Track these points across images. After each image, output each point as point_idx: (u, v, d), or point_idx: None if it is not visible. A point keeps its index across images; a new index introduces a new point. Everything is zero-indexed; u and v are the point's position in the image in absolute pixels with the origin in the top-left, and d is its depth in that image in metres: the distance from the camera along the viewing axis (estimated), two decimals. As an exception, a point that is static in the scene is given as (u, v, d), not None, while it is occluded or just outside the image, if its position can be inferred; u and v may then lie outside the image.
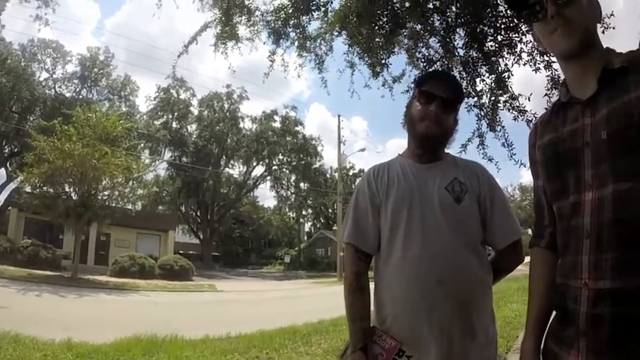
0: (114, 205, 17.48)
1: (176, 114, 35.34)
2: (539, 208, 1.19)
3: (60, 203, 15.45)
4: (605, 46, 1.07)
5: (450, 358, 1.34)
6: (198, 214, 38.35)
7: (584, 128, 1.00)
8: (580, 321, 0.94)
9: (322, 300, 10.17)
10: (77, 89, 30.61)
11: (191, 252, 33.14)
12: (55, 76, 29.76)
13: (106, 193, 16.74)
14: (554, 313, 1.09)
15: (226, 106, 36.81)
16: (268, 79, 6.06)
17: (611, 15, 4.53)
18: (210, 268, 31.36)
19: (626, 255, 0.88)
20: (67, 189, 16.34)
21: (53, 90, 29.06)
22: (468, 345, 1.35)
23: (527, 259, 1.58)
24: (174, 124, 35.63)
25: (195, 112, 36.69)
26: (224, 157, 37.66)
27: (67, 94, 29.72)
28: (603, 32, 4.38)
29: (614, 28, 4.55)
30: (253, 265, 41.54)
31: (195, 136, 36.43)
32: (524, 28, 4.89)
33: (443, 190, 1.44)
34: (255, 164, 38.70)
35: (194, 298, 12.93)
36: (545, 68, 4.94)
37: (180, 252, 27.88)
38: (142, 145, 28.29)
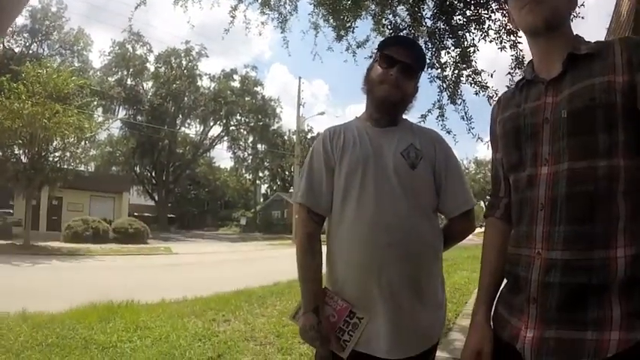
0: (66, 167, 16.50)
1: (131, 70, 33.56)
2: (496, 180, 1.23)
3: (9, 167, 14.53)
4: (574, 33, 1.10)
5: (400, 319, 1.38)
6: (153, 174, 37.21)
7: (546, 106, 1.03)
8: (531, 288, 0.99)
9: (278, 262, 10.27)
10: (27, 44, 28.33)
11: (146, 214, 32.47)
12: (3, 29, 27.07)
13: (57, 154, 15.76)
14: (504, 281, 1.14)
15: (184, 63, 35.34)
16: (229, 37, 5.87)
17: (582, 5, 4.66)
18: (166, 231, 30.90)
19: (577, 228, 0.94)
20: (16, 151, 15.28)
21: (1, 45, 26.52)
22: (417, 307, 1.40)
23: (479, 229, 1.65)
24: (129, 81, 33.91)
25: (152, 69, 35.07)
26: (180, 116, 36.46)
27: (16, 49, 27.55)
28: (572, 20, 4.51)
29: (582, 17, 4.70)
30: (209, 227, 41.22)
31: (151, 93, 34.84)
32: (493, 5, 4.92)
33: (398, 155, 1.44)
34: (212, 124, 37.88)
35: (149, 262, 12.74)
36: (511, 47, 5.05)
37: (135, 214, 27.26)
38: (95, 102, 26.55)
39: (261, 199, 47.72)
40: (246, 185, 46.89)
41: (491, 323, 1.14)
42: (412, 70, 1.47)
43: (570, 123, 0.97)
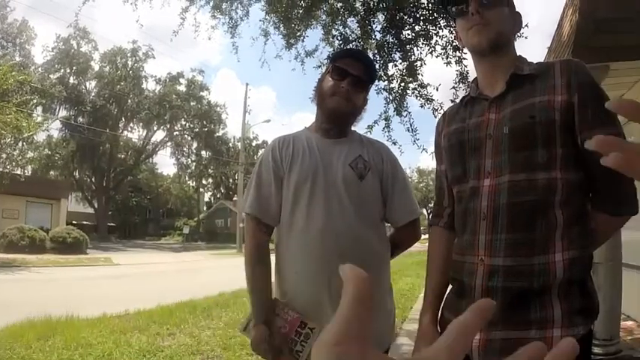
0: (1, 169, 15.24)
1: (75, 68, 31.31)
2: (440, 191, 1.28)
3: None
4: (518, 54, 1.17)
5: None
6: (93, 180, 34.92)
7: (489, 122, 1.10)
8: (475, 293, 1.04)
9: (222, 272, 10.02)
10: (-36, 34, 25.57)
11: (85, 222, 30.71)
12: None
13: (-9, 156, 14.38)
14: (450, 287, 1.19)
15: (130, 63, 33.52)
16: (178, 39, 5.70)
17: (525, 26, 5.00)
18: (106, 240, 29.35)
19: (517, 236, 1.00)
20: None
21: None
22: None
23: (424, 236, 1.70)
24: (71, 80, 31.62)
25: (96, 68, 32.96)
26: (123, 120, 34.56)
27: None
28: (515, 39, 4.83)
29: (526, 37, 5.03)
30: (151, 236, 39.62)
31: (93, 94, 32.75)
32: (442, 22, 5.15)
33: (347, 167, 1.46)
34: (155, 129, 36.19)
35: (89, 273, 11.94)
36: (456, 63, 5.28)
37: (74, 222, 25.56)
38: (35, 101, 24.33)
39: (205, 208, 46.46)
40: (189, 193, 45.35)
41: (439, 327, 1.18)
42: (363, 82, 1.50)
43: (512, 139, 1.04)
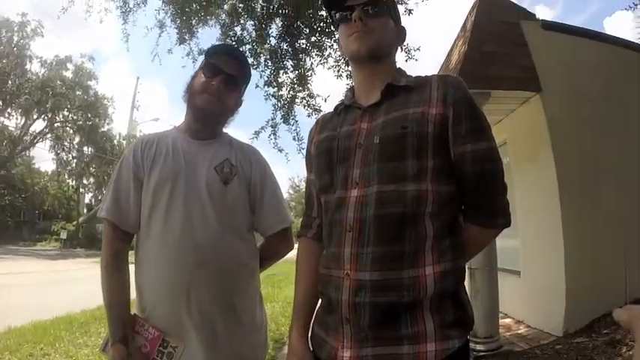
0: None
1: None
2: (309, 200, 1.24)
3: None
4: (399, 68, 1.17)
5: (215, 345, 1.30)
6: (-38, 174, 29.57)
7: (360, 131, 1.07)
8: (343, 309, 0.99)
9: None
10: None
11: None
12: None
13: None
14: (320, 300, 1.13)
15: (15, 39, 29.11)
16: (71, 20, 5.05)
17: (418, 49, 5.34)
18: None
19: (385, 250, 0.96)
20: None
21: None
22: (232, 331, 1.34)
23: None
24: None
25: None
26: (0, 103, 29.91)
27: None
28: (406, 61, 5.09)
29: (416, 59, 5.38)
30: (25, 241, 34.96)
31: (-31, 71, 27.75)
32: (337, 35, 5.32)
33: (212, 170, 1.38)
34: (35, 117, 32.04)
35: (-48, 286, 9.98)
36: (347, 77, 5.47)
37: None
38: None
39: (85, 210, 41.98)
40: (68, 193, 40.77)
41: (310, 343, 1.13)
42: (236, 82, 1.43)
43: (382, 149, 1.01)
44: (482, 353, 3.80)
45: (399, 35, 1.19)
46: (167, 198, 1.32)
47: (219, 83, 1.36)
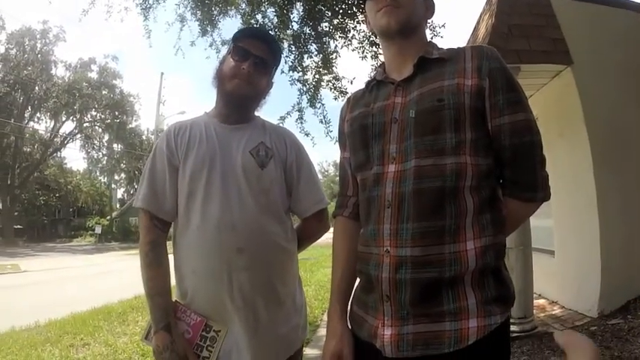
0: None
1: None
2: (344, 180, 1.22)
3: None
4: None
5: (258, 327, 1.31)
6: (-4, 177, 30.95)
7: (395, 106, 1.05)
8: (383, 286, 0.98)
9: (137, 273, 9.36)
10: None
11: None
12: None
13: None
14: (358, 279, 1.13)
15: (39, 46, 30.27)
16: (92, 23, 5.18)
17: (443, 26, 5.22)
18: (13, 245, 26.44)
19: (425, 225, 0.95)
20: None
21: None
22: (274, 313, 1.34)
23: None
24: None
25: (2, 50, 29.24)
26: (30, 109, 31.25)
27: None
28: (432, 38, 5.04)
29: (442, 37, 5.27)
30: (61, 237, 36.36)
31: (-3, 79, 28.99)
32: (360, 17, 5.22)
33: (247, 154, 1.36)
34: (64, 119, 33.30)
35: (-5, 283, 10.57)
36: (372, 58, 5.39)
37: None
38: None
39: (118, 205, 43.23)
40: (100, 189, 41.89)
41: (349, 323, 1.12)
42: (266, 64, 1.41)
43: (418, 122, 0.99)
44: (516, 334, 3.73)
45: (429, 8, 1.17)
46: (204, 183, 1.32)
47: (249, 67, 1.35)
